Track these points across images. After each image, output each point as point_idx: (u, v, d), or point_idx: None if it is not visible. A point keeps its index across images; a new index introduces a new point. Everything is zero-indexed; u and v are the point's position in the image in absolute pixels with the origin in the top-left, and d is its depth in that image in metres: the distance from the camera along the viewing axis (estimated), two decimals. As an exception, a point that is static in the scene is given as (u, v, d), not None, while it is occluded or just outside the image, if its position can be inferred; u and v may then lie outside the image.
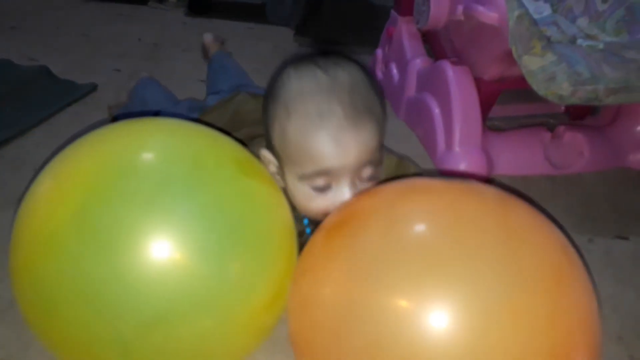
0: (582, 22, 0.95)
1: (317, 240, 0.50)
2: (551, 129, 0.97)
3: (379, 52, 1.24)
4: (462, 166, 0.92)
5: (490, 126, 0.99)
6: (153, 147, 0.47)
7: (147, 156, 0.47)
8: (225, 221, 0.45)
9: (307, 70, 0.54)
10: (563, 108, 1.11)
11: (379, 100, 0.56)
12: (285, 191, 0.57)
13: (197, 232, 0.44)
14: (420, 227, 0.44)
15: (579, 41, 0.88)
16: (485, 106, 0.95)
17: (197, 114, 0.81)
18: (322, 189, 0.54)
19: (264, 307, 0.48)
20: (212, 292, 0.44)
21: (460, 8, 0.90)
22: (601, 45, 0.84)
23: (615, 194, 0.92)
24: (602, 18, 0.93)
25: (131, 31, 1.52)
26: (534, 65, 0.76)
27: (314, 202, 0.55)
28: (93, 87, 1.15)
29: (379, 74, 1.23)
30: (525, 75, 0.77)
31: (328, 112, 0.51)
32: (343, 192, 0.54)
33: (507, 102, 1.07)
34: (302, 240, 0.54)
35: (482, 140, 0.93)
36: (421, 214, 0.45)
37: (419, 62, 1.09)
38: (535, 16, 0.96)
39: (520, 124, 1.03)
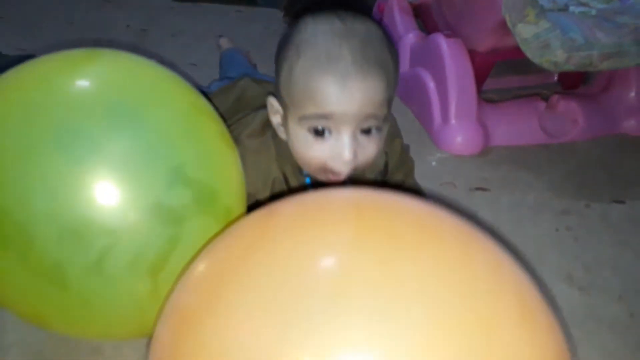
0: (574, -10, 0.95)
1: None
2: (545, 99, 0.98)
3: (371, 29, 1.24)
4: (459, 138, 0.93)
5: (485, 98, 1.00)
6: (101, 77, 0.48)
7: (94, 85, 0.47)
8: (169, 160, 0.45)
9: (324, 18, 0.53)
10: (556, 78, 1.12)
11: (392, 59, 0.54)
12: (286, 146, 0.56)
13: (137, 169, 0.44)
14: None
15: (572, 8, 0.88)
16: (480, 78, 0.96)
17: None
18: (321, 134, 0.52)
19: None
20: (147, 235, 0.43)
21: (452, -21, 0.89)
22: (594, 12, 0.85)
23: (610, 159, 0.93)
24: (593, -15, 0.94)
25: (119, 18, 1.50)
26: (528, 33, 0.76)
27: (312, 150, 0.53)
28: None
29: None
30: (520, 43, 0.78)
31: (337, 56, 0.50)
32: (343, 141, 0.52)
33: (501, 74, 1.08)
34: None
35: (478, 112, 0.93)
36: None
37: (411, 37, 1.08)
38: (527, -14, 0.96)
39: (515, 95, 1.04)
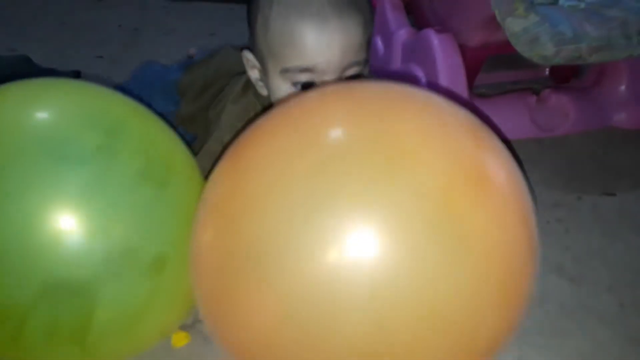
0: (563, -16, 0.96)
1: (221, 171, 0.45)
2: (537, 93, 0.99)
3: (363, 25, 1.24)
4: (451, 133, 0.93)
5: (477, 93, 1.00)
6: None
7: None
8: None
9: None
10: (547, 72, 1.12)
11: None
12: (269, 100, 0.55)
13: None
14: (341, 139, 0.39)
15: (561, 2, 0.89)
16: (471, 73, 0.96)
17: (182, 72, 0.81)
18: (305, 87, 0.52)
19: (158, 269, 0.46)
20: (102, 255, 0.43)
21: (441, -26, 0.90)
22: (582, 5, 0.85)
23: (601, 152, 0.93)
24: (582, -21, 0.94)
25: (111, 17, 1.50)
26: (517, 27, 0.77)
27: None
28: (76, 74, 1.14)
29: (364, 47, 1.23)
30: (509, 37, 0.78)
31: None
32: None
33: (493, 70, 1.08)
34: None
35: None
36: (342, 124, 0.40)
37: (403, 34, 1.08)
38: (517, -19, 0.96)
39: (506, 90, 1.04)
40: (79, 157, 0.44)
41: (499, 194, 0.41)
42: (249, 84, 0.59)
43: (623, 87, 0.99)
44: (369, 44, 0.55)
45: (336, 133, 0.40)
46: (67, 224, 0.42)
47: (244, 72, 0.60)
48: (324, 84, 0.52)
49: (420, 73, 0.99)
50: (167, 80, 0.85)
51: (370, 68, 1.18)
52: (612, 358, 0.57)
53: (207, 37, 1.33)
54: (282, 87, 0.53)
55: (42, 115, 0.46)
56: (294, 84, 0.52)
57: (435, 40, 0.94)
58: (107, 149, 0.45)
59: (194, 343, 0.55)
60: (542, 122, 0.97)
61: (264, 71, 0.55)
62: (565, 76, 1.08)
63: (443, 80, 0.93)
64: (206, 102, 0.73)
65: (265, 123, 0.43)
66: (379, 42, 1.16)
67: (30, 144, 0.44)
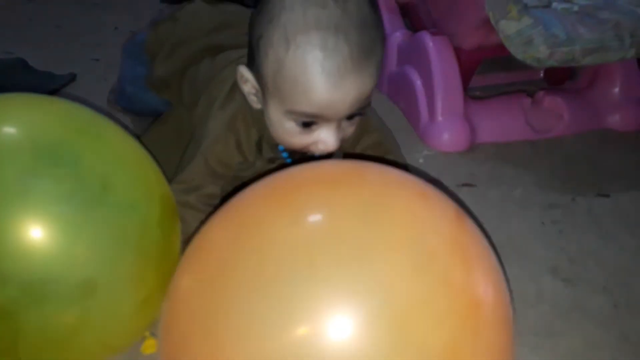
0: (557, -13, 0.97)
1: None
2: (531, 95, 0.99)
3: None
4: (446, 135, 0.94)
5: (472, 95, 1.01)
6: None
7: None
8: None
9: None
10: (542, 74, 1.13)
11: (381, 36, 0.51)
12: (261, 113, 0.55)
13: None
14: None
15: (554, 4, 0.89)
16: (466, 75, 0.97)
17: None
18: (308, 126, 0.52)
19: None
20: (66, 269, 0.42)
21: (436, -23, 0.90)
22: (576, 8, 0.86)
23: (595, 154, 0.94)
24: (576, -18, 0.95)
25: (107, 20, 1.50)
26: (511, 29, 0.77)
27: (296, 138, 0.53)
28: (72, 77, 1.14)
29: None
30: (503, 40, 0.78)
31: (334, 50, 0.46)
32: (328, 134, 0.52)
33: (487, 72, 1.09)
34: (275, 166, 0.54)
35: (465, 109, 0.94)
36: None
37: (398, 36, 1.09)
38: (511, -16, 0.97)
39: (501, 92, 1.05)
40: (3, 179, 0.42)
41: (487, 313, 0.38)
42: (235, 87, 0.57)
43: (616, 89, 1.00)
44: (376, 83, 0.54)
45: (320, 215, 0.38)
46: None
47: (214, 30, 0.58)
48: (328, 124, 0.52)
49: (415, 75, 0.99)
50: (136, 42, 0.79)
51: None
52: (606, 358, 0.57)
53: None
54: (283, 122, 0.52)
55: None
56: (297, 122, 0.52)
57: (430, 42, 0.95)
58: (33, 171, 0.43)
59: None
60: (536, 123, 0.97)
61: (262, 98, 0.54)
62: (559, 78, 1.09)
63: (438, 82, 0.94)
64: (178, 66, 0.68)
65: (260, 188, 0.42)
66: (374, 45, 1.17)
67: None
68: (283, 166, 0.50)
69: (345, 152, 0.61)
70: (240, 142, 0.58)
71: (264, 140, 0.59)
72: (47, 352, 0.45)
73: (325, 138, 0.52)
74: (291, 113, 0.51)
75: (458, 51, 0.95)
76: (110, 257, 0.45)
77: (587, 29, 0.78)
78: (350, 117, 0.53)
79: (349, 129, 0.55)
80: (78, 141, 0.47)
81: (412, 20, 1.13)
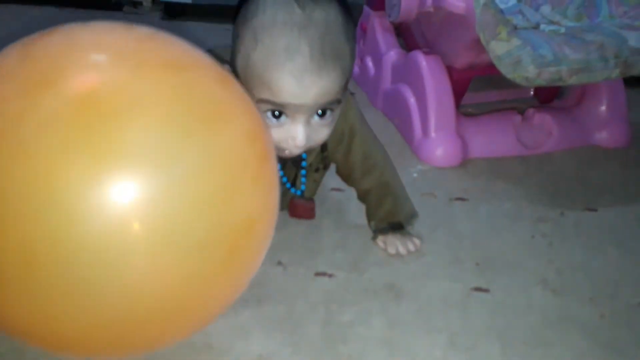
0: (545, 9, 1.00)
1: None
2: (521, 112, 1.02)
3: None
4: (439, 151, 0.96)
5: (464, 112, 1.04)
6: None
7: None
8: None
9: (284, 2, 0.53)
10: (532, 93, 1.17)
11: (350, 44, 0.56)
12: None
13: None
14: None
15: (542, 26, 0.93)
16: (458, 93, 1.00)
17: None
18: (278, 117, 0.56)
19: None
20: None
21: (429, 0, 0.94)
22: (562, 30, 0.89)
23: (583, 169, 0.97)
24: (563, 5, 0.99)
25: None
26: (501, 50, 0.81)
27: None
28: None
29: (356, 68, 1.27)
30: (493, 60, 0.82)
31: (295, 51, 0.52)
32: (296, 129, 0.56)
33: (479, 89, 1.12)
34: None
35: (457, 126, 0.97)
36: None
37: (393, 55, 1.12)
38: (501, 6, 1.01)
39: (492, 109, 1.08)
40: None
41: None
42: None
43: (603, 108, 1.03)
44: (347, 84, 0.58)
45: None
46: None
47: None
48: (295, 119, 0.56)
49: (408, 92, 1.02)
50: None
51: (362, 88, 1.22)
52: (593, 367, 0.59)
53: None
54: None
55: None
56: (267, 111, 0.56)
57: (424, 61, 0.98)
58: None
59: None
60: (527, 140, 1.00)
61: None
62: (548, 96, 1.13)
63: (431, 100, 0.97)
64: None
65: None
66: (369, 63, 1.20)
67: None
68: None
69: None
70: None
71: None
72: None
73: (293, 132, 0.56)
74: (259, 102, 0.55)
75: (450, 70, 0.98)
76: None
77: (573, 50, 0.82)
78: (321, 115, 0.57)
79: (321, 129, 0.58)
80: None
81: (406, 40, 1.17)
